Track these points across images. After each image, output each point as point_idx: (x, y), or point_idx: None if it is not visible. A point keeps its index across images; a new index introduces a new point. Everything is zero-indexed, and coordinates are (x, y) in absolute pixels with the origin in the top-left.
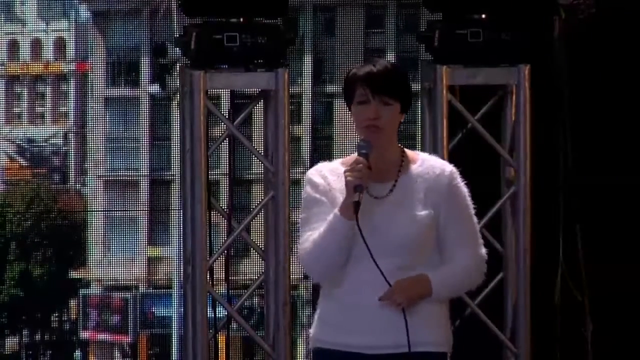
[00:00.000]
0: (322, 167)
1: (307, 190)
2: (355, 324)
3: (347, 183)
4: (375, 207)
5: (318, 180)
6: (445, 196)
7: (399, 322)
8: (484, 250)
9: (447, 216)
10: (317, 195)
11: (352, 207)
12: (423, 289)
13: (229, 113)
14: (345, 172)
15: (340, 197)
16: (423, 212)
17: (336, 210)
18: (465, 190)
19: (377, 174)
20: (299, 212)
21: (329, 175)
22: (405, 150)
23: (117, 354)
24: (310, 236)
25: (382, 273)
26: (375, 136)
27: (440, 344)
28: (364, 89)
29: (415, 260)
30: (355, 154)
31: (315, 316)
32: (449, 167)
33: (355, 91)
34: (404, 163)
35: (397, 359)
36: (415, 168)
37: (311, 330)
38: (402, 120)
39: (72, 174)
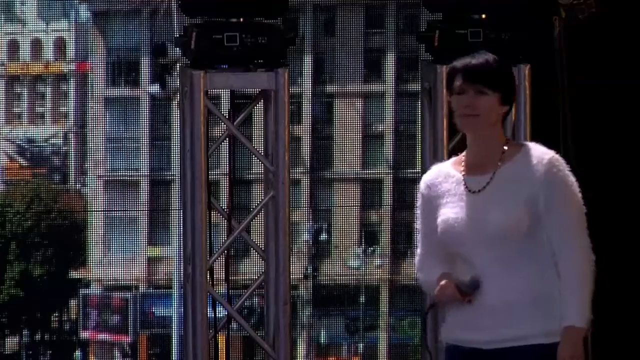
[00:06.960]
0: (431, 172)
1: (418, 200)
2: (475, 322)
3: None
4: (473, 200)
5: (423, 190)
6: (542, 184)
7: (507, 318)
8: (588, 239)
9: (547, 204)
10: (419, 210)
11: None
12: (577, 337)
13: (229, 113)
14: (436, 291)
15: (442, 201)
16: (518, 206)
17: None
18: (567, 177)
19: (476, 166)
20: (299, 212)
21: (436, 180)
22: (510, 141)
23: (117, 354)
24: (421, 262)
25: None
26: (471, 124)
27: (552, 335)
28: (461, 80)
29: (511, 252)
30: (463, 154)
31: (446, 314)
32: (547, 155)
33: (454, 82)
34: (504, 155)
35: (508, 352)
36: (515, 160)
37: (442, 328)
38: (506, 112)
39: (72, 174)
